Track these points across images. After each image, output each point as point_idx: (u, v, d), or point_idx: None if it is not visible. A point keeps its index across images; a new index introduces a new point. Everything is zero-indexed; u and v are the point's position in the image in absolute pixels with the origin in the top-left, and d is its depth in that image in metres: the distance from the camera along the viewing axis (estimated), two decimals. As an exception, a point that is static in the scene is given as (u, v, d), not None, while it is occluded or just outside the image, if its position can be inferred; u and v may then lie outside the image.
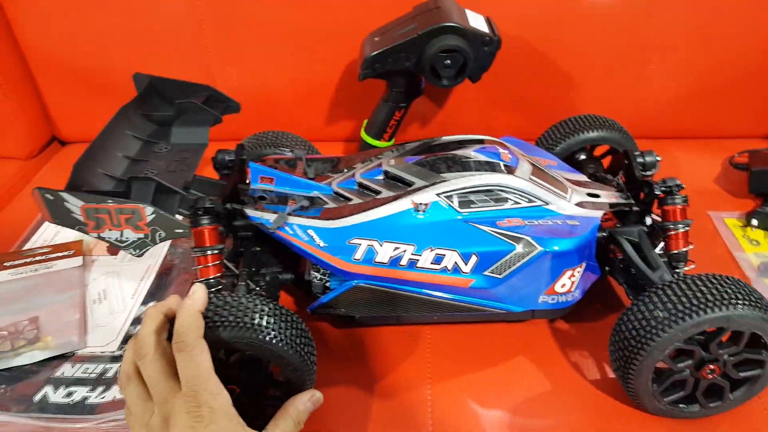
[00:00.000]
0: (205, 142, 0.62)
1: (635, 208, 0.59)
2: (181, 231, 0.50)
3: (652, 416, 0.52)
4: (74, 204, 0.49)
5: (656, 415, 0.52)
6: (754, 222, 0.75)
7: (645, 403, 0.51)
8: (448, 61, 0.72)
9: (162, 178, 0.53)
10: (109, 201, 0.49)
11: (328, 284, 0.58)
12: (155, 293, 0.66)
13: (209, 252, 0.53)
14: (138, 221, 0.50)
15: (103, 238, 0.51)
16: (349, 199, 0.58)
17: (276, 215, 0.55)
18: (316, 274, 0.58)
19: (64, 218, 0.49)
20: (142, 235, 0.50)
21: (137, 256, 0.51)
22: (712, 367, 0.49)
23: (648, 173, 0.61)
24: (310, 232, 0.55)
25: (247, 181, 0.62)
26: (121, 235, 0.51)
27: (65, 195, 0.48)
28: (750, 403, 0.52)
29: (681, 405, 0.51)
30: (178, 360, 0.40)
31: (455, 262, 0.53)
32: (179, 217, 0.57)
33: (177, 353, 0.41)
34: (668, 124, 0.90)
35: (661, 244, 0.58)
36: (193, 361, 0.40)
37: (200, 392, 0.39)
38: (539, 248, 0.53)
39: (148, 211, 0.49)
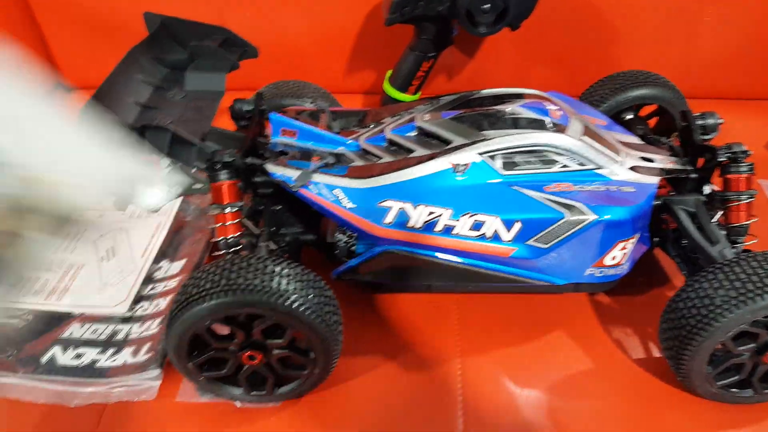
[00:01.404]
0: (221, 90, 0.56)
1: (693, 175, 0.54)
2: (199, 186, 0.45)
3: (700, 400, 0.49)
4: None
5: (705, 399, 0.49)
6: (807, 193, 0.70)
7: (695, 386, 0.48)
8: (487, 6, 0.65)
9: (177, 127, 0.48)
10: None
11: (353, 248, 0.54)
12: (167, 251, 0.62)
13: (228, 209, 0.49)
14: (151, 174, 0.45)
15: (113, 193, 0.47)
16: (379, 157, 0.53)
17: (299, 172, 0.51)
18: (342, 236, 0.54)
19: None
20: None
21: (153, 212, 0.47)
22: None
23: (707, 137, 0.56)
24: (337, 192, 0.50)
25: (267, 134, 0.57)
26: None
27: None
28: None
29: (733, 389, 0.48)
30: None
31: (496, 230, 0.49)
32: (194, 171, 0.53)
33: None
34: (718, 83, 0.84)
35: (717, 215, 0.53)
36: None
37: None
38: (592, 216, 0.48)
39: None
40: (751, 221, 0.51)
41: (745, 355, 0.46)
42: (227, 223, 0.49)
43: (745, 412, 0.49)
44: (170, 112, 0.54)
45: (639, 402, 0.50)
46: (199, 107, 0.54)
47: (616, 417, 0.49)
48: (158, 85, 0.57)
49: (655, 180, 0.52)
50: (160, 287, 0.58)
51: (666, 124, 0.68)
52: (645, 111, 0.68)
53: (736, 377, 0.47)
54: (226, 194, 0.49)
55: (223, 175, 0.49)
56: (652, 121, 0.69)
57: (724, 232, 0.51)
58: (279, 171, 0.51)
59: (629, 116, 0.66)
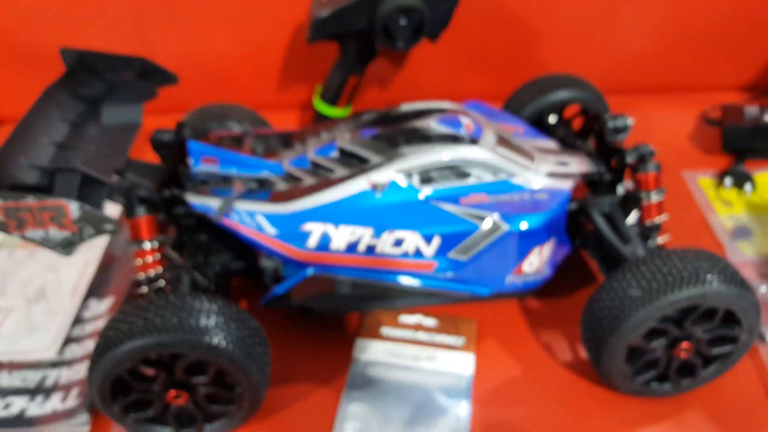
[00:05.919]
0: (138, 122, 0.56)
1: (607, 177, 0.55)
2: (111, 227, 0.45)
3: (625, 397, 0.51)
4: (-10, 202, 0.43)
5: (628, 395, 0.50)
6: (727, 182, 0.73)
7: (617, 384, 0.49)
8: (404, 22, 0.66)
9: (89, 166, 0.48)
10: (30, 198, 0.44)
11: (281, 273, 0.54)
12: (96, 289, 0.61)
13: (147, 245, 0.49)
14: (62, 219, 0.44)
15: (27, 238, 0.46)
16: (301, 180, 0.54)
17: (221, 201, 0.51)
18: (269, 263, 0.54)
19: None
20: (68, 234, 0.45)
21: (66, 255, 0.46)
22: (685, 345, 0.47)
23: (619, 138, 0.58)
24: (259, 218, 0.50)
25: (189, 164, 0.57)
26: (46, 234, 0.45)
27: (-21, 193, 0.42)
28: (720, 378, 0.51)
29: (653, 383, 0.50)
30: None
31: (417, 245, 0.50)
32: (114, 208, 0.52)
33: None
34: (639, 77, 0.87)
35: (636, 214, 0.55)
36: None
37: None
38: (505, 226, 0.49)
39: (73, 208, 0.44)
40: (663, 218, 0.53)
41: (658, 351, 0.47)
42: (147, 260, 0.49)
43: (664, 405, 0.50)
44: (86, 150, 0.53)
45: (567, 405, 0.51)
46: (114, 142, 0.54)
47: (545, 423, 0.50)
48: (75, 122, 0.56)
49: (568, 185, 0.53)
50: (89, 328, 0.57)
51: (590, 125, 0.70)
52: (571, 112, 0.70)
53: (654, 372, 0.49)
54: (144, 230, 0.49)
55: (141, 209, 0.48)
56: (578, 122, 0.71)
57: (638, 231, 0.53)
58: (199, 201, 0.51)
59: (552, 120, 0.68)
